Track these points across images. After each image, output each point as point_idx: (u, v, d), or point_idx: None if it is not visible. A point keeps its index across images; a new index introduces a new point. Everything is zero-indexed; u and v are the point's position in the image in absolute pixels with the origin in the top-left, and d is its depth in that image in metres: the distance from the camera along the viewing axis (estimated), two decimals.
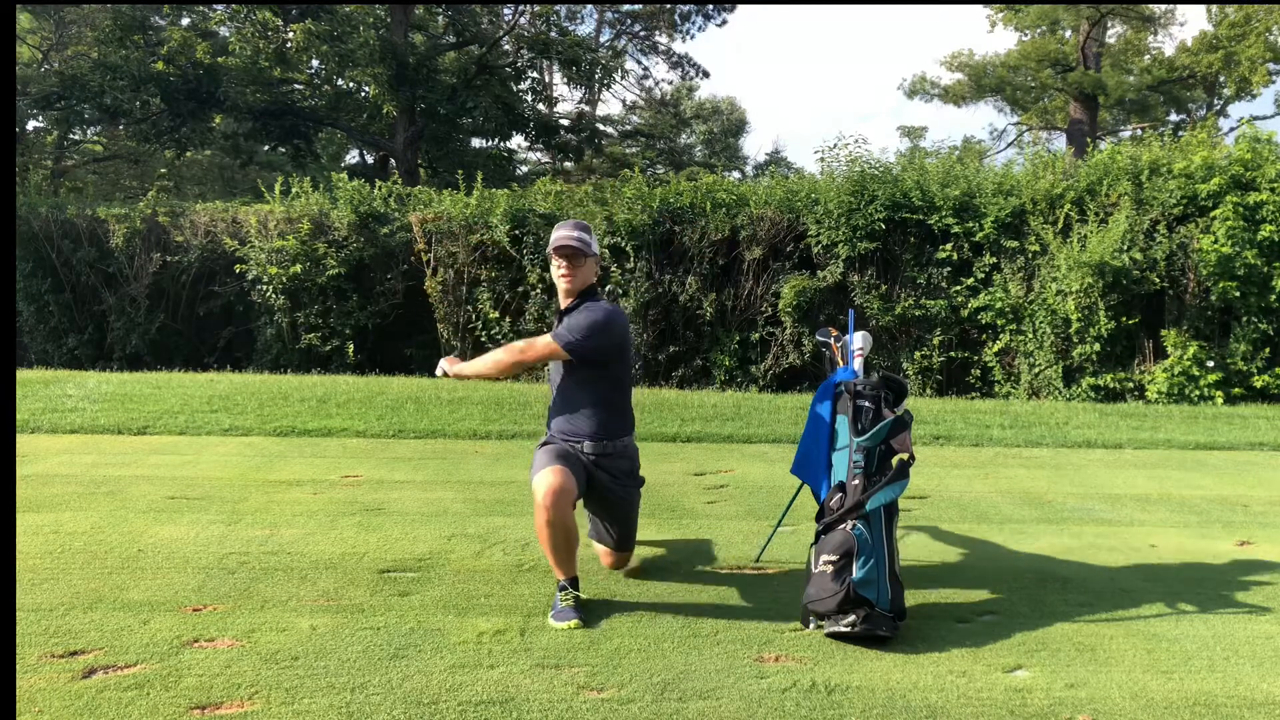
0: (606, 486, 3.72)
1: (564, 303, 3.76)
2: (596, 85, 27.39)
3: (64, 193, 22.05)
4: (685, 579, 3.84)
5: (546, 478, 3.41)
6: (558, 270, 3.71)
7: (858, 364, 3.70)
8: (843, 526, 3.31)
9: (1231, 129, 27.70)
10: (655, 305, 10.85)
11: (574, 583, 3.44)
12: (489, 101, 22.12)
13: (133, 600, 3.46)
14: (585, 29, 31.56)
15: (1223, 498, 5.58)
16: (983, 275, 10.42)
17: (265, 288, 11.80)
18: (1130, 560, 4.24)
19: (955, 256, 10.44)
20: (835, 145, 11.51)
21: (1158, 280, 9.87)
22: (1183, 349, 9.78)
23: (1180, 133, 17.86)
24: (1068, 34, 28.50)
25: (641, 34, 31.12)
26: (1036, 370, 10.20)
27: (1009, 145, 32.01)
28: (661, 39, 30.32)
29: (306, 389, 9.39)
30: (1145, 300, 10.07)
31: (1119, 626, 3.39)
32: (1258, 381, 9.69)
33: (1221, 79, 27.97)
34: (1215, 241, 9.67)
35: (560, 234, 3.73)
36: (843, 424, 3.48)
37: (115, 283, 12.47)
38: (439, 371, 3.89)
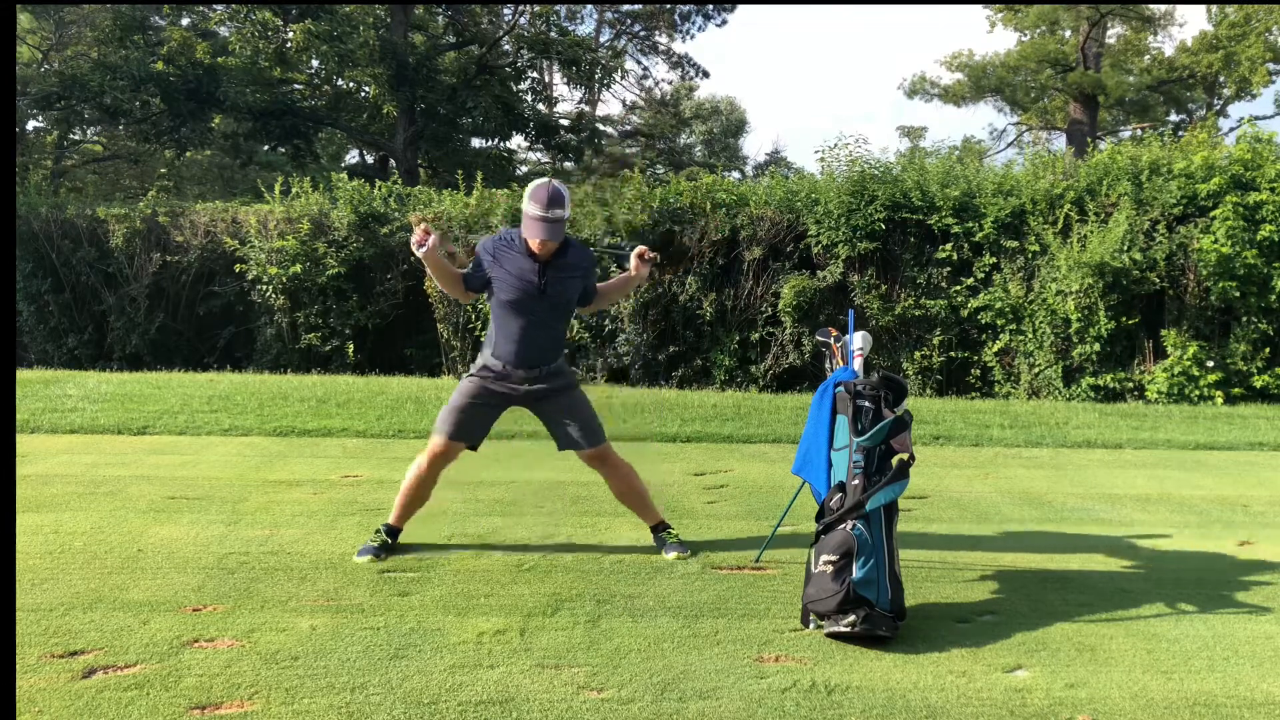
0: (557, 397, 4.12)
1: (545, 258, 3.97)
2: (596, 85, 27.40)
3: (64, 193, 21.99)
4: (685, 579, 3.83)
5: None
6: (535, 243, 3.91)
7: (858, 364, 3.70)
8: (843, 526, 3.31)
9: (1231, 129, 27.70)
10: (655, 305, 10.84)
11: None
12: (489, 101, 22.12)
13: (133, 600, 3.45)
14: (585, 29, 31.56)
15: (1223, 498, 5.58)
16: (983, 275, 10.41)
17: (265, 288, 11.79)
18: (1130, 560, 4.24)
19: (955, 256, 10.44)
20: (835, 145, 11.47)
21: (1158, 280, 9.87)
22: (1183, 349, 9.78)
23: (1180, 133, 17.87)
24: (1067, 34, 28.50)
25: (641, 34, 31.12)
26: (1036, 370, 10.19)
27: (1009, 145, 32.07)
28: (661, 39, 30.33)
29: (306, 389, 9.38)
30: (1145, 300, 10.06)
31: (1119, 626, 3.39)
32: (1258, 381, 9.68)
33: (1221, 79, 27.98)
34: (1215, 241, 9.66)
35: (537, 213, 3.82)
36: (843, 424, 3.48)
37: (115, 283, 12.46)
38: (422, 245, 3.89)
